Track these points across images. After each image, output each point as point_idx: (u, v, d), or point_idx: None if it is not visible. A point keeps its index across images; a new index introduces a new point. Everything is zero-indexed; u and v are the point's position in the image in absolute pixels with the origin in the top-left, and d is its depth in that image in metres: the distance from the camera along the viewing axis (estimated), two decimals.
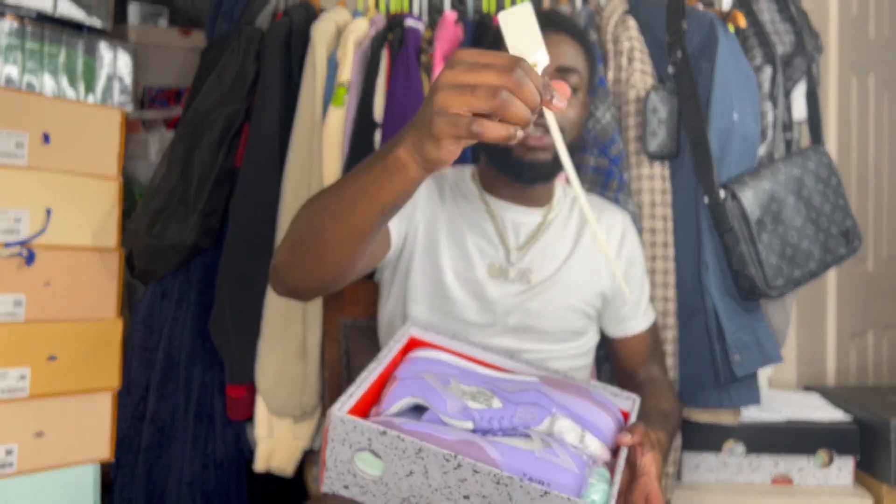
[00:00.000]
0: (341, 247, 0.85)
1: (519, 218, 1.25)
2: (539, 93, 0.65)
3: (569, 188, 1.34)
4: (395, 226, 1.18)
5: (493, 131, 0.65)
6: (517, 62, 0.64)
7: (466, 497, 0.85)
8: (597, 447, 0.94)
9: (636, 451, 0.95)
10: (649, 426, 1.08)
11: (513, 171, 1.18)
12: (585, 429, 0.96)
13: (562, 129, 1.15)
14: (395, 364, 1.07)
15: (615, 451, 0.97)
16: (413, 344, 1.13)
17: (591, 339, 1.30)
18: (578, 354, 1.27)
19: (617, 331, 1.31)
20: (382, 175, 0.75)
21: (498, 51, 0.69)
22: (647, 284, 1.34)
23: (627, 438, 0.94)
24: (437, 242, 1.21)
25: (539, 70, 0.69)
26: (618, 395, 1.08)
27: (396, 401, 0.97)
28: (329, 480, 0.89)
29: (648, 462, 0.94)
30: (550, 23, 1.18)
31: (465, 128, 0.65)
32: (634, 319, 1.31)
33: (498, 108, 0.63)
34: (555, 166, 1.17)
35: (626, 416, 1.06)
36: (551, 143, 1.13)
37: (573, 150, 1.22)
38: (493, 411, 0.96)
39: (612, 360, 1.37)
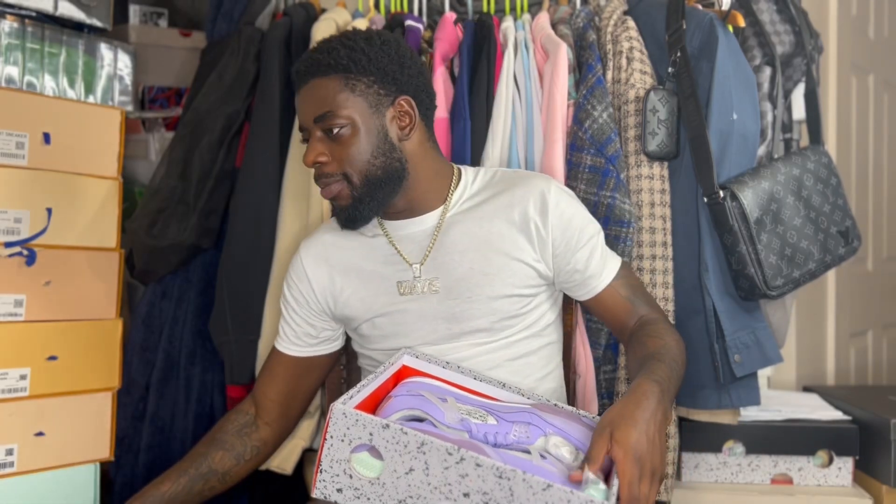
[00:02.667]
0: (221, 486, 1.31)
1: (413, 230, 1.23)
2: None
3: (482, 174, 1.28)
4: (292, 342, 1.30)
5: None
6: None
7: (466, 495, 0.84)
8: None
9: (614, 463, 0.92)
10: (643, 371, 1.06)
11: (337, 220, 1.23)
12: (579, 449, 0.96)
13: (344, 173, 1.15)
14: (387, 389, 1.07)
15: (607, 476, 0.95)
16: (405, 372, 1.13)
17: (545, 317, 1.24)
18: (532, 335, 1.22)
19: (583, 294, 1.25)
20: None
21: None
22: (597, 234, 1.24)
23: (577, 475, 0.91)
24: (350, 297, 1.24)
25: None
26: None
27: (393, 412, 0.98)
28: (322, 484, 0.88)
29: (614, 454, 0.91)
30: (303, 73, 1.17)
31: None
32: (596, 278, 1.23)
33: None
34: (367, 207, 1.16)
35: None
36: (339, 190, 1.16)
37: (375, 179, 1.16)
38: (488, 426, 0.97)
39: (599, 320, 1.33)
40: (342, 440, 0.87)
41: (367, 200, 1.16)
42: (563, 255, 1.20)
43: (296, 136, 1.53)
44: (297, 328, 1.29)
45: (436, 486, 0.85)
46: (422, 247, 1.22)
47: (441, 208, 1.23)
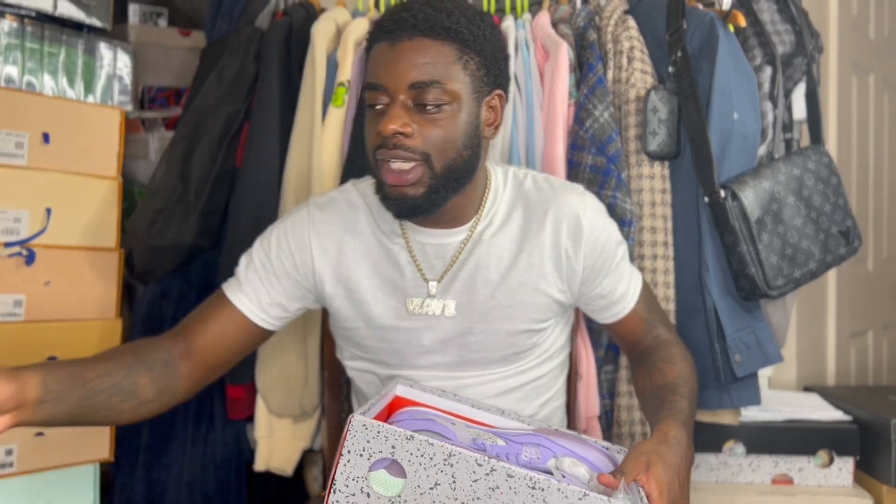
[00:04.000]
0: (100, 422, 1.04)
1: (439, 241, 1.09)
2: None
3: (511, 180, 1.15)
4: (257, 305, 1.11)
5: None
6: None
7: None
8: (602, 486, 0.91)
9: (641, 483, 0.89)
10: (667, 408, 1.03)
11: (386, 207, 1.03)
12: (593, 469, 0.93)
13: (425, 154, 0.98)
14: (381, 420, 1.01)
15: None
16: (399, 403, 1.06)
17: (558, 339, 1.19)
18: (543, 361, 1.16)
19: (605, 318, 1.19)
20: None
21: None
22: (624, 255, 1.18)
23: (607, 478, 0.88)
24: (353, 297, 1.11)
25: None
26: (609, 448, 1.02)
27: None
28: None
29: (649, 488, 0.88)
30: (401, 25, 0.97)
31: None
32: (621, 302, 1.17)
33: None
34: (429, 200, 1.01)
35: None
36: (415, 176, 0.98)
37: (455, 171, 1.01)
38: (499, 447, 0.92)
39: (614, 339, 1.27)
40: (361, 454, 0.81)
41: (442, 193, 1.01)
42: (590, 281, 1.13)
43: (296, 135, 1.52)
44: (269, 296, 1.12)
45: (463, 500, 0.80)
46: (443, 262, 1.09)
47: (472, 222, 1.10)
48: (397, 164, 0.98)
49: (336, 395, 1.39)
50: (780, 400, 1.70)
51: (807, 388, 1.92)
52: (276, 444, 1.55)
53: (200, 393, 1.73)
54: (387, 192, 1.01)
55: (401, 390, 1.08)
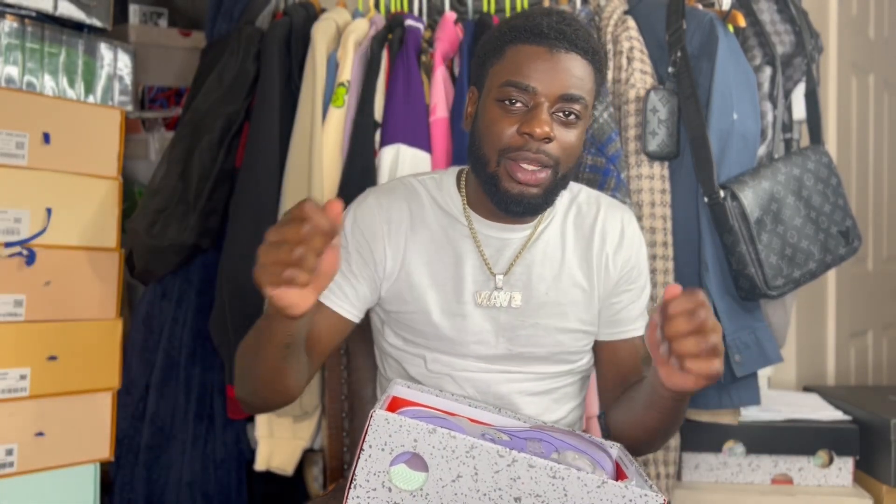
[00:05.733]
0: (272, 373, 0.99)
1: (504, 236, 1.13)
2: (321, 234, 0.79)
3: (567, 189, 1.17)
4: (351, 303, 1.12)
5: (298, 276, 0.79)
6: (303, 213, 0.79)
7: (517, 499, 0.81)
8: (605, 476, 0.91)
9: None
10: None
11: (498, 202, 1.06)
12: (595, 462, 0.95)
13: (557, 161, 1.03)
14: None
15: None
16: (397, 403, 1.06)
17: (587, 362, 1.19)
18: (577, 370, 1.17)
19: (607, 334, 1.17)
20: (269, 323, 0.94)
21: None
22: (648, 285, 1.22)
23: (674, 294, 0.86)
24: (413, 282, 1.12)
25: None
26: (604, 443, 1.03)
27: None
28: (356, 501, 0.82)
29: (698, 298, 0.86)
30: (562, 37, 1.03)
31: (276, 277, 0.80)
32: (628, 324, 1.17)
33: (286, 261, 0.79)
34: (545, 202, 1.06)
35: (617, 465, 1.01)
36: (544, 178, 1.03)
37: (568, 178, 1.08)
38: (505, 443, 0.94)
39: (597, 369, 1.22)
40: (382, 449, 0.81)
41: (555, 197, 1.07)
42: (615, 288, 1.15)
43: (296, 135, 1.52)
44: (354, 291, 1.12)
45: (485, 492, 0.81)
46: (506, 257, 1.12)
47: (536, 220, 1.14)
48: (532, 169, 1.02)
49: (336, 395, 1.39)
50: (780, 400, 1.71)
51: (807, 388, 1.92)
52: (277, 443, 1.55)
53: (200, 393, 1.74)
54: (508, 188, 1.04)
55: (398, 391, 1.08)
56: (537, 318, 1.12)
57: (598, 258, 1.15)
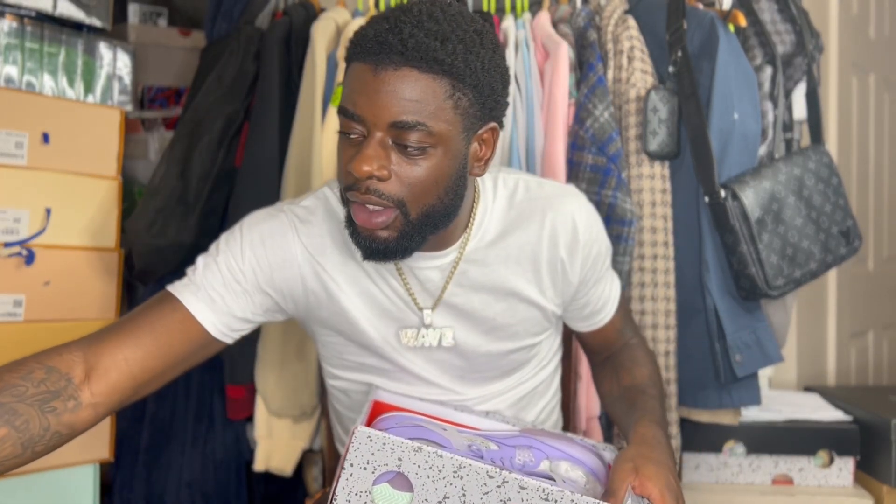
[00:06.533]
0: None
1: (428, 264, 1.00)
2: None
3: (502, 191, 1.05)
4: (228, 325, 0.99)
5: None
6: None
7: None
8: (599, 487, 0.90)
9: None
10: (639, 408, 1.02)
11: (354, 242, 0.93)
12: (588, 472, 0.92)
13: (399, 201, 0.88)
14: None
15: None
16: (380, 409, 1.01)
17: (552, 346, 1.16)
18: (539, 369, 1.13)
19: (585, 326, 1.15)
20: None
21: None
22: (609, 259, 1.13)
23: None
24: (348, 312, 1.01)
25: None
26: (596, 445, 1.01)
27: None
28: None
29: (646, 491, 0.86)
30: (388, 50, 0.84)
31: None
32: (603, 311, 1.13)
33: None
34: (407, 245, 0.91)
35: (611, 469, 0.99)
36: (385, 221, 0.88)
37: (435, 216, 0.92)
38: (493, 451, 0.90)
39: (580, 343, 1.22)
40: (364, 468, 0.77)
41: (416, 239, 0.92)
42: (579, 289, 1.08)
43: (296, 135, 1.52)
44: (234, 308, 0.99)
45: None
46: (435, 287, 1.01)
47: (461, 240, 1.01)
48: (365, 211, 0.89)
49: None
50: (781, 400, 1.70)
51: (807, 388, 1.92)
52: (276, 444, 1.55)
53: (200, 393, 1.74)
54: (357, 232, 0.92)
55: (381, 395, 1.04)
56: (488, 346, 1.03)
57: (551, 266, 1.04)
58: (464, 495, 0.77)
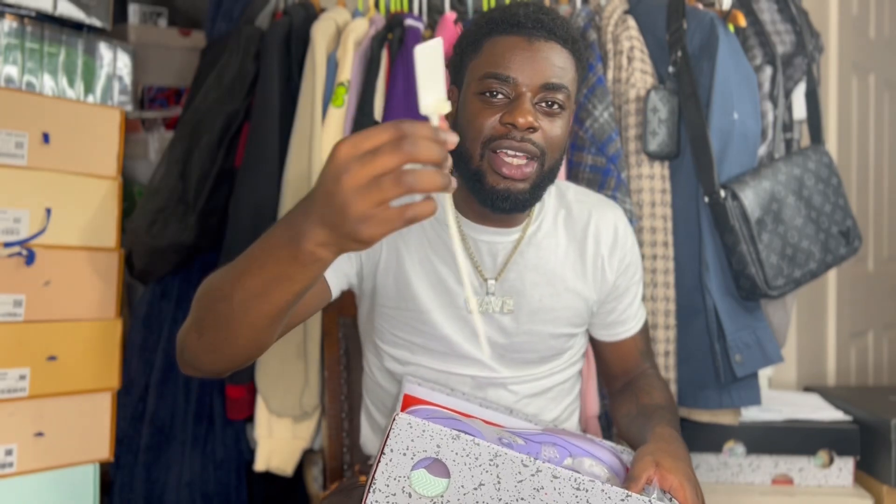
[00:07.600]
0: (256, 331, 0.81)
1: (493, 239, 1.10)
2: (438, 141, 0.62)
3: (554, 189, 1.17)
4: (335, 275, 1.06)
5: (424, 207, 0.63)
6: (398, 131, 0.61)
7: None
8: (620, 485, 0.91)
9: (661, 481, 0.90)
10: (656, 419, 1.04)
11: (484, 200, 1.02)
12: (610, 470, 0.94)
13: (542, 152, 1.00)
14: None
15: None
16: (409, 402, 1.05)
17: (582, 347, 1.21)
18: (569, 365, 1.18)
19: (606, 335, 1.20)
20: (293, 267, 0.71)
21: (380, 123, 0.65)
22: (641, 286, 1.23)
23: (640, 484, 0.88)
24: (409, 280, 1.08)
25: (438, 110, 0.64)
26: (615, 447, 1.02)
27: None
28: None
29: (668, 483, 0.89)
30: (540, 27, 1.01)
31: (396, 221, 0.63)
32: (626, 324, 1.20)
33: (411, 187, 0.61)
34: (532, 197, 1.03)
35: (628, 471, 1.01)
36: (530, 172, 1.00)
37: (555, 171, 1.04)
38: (521, 447, 0.92)
39: (598, 361, 1.27)
40: (404, 454, 0.79)
41: (541, 191, 1.04)
42: (611, 292, 1.16)
43: (296, 135, 1.52)
44: (344, 266, 1.09)
45: (507, 501, 0.79)
46: (497, 261, 1.10)
47: (524, 223, 1.11)
48: (517, 159, 0.99)
49: (336, 396, 1.39)
50: (781, 400, 1.71)
51: (807, 389, 1.92)
52: (276, 444, 1.55)
53: (200, 393, 1.74)
54: (493, 183, 1.00)
55: (410, 389, 1.07)
56: (531, 325, 1.10)
57: (594, 261, 1.14)
58: (499, 482, 0.79)
